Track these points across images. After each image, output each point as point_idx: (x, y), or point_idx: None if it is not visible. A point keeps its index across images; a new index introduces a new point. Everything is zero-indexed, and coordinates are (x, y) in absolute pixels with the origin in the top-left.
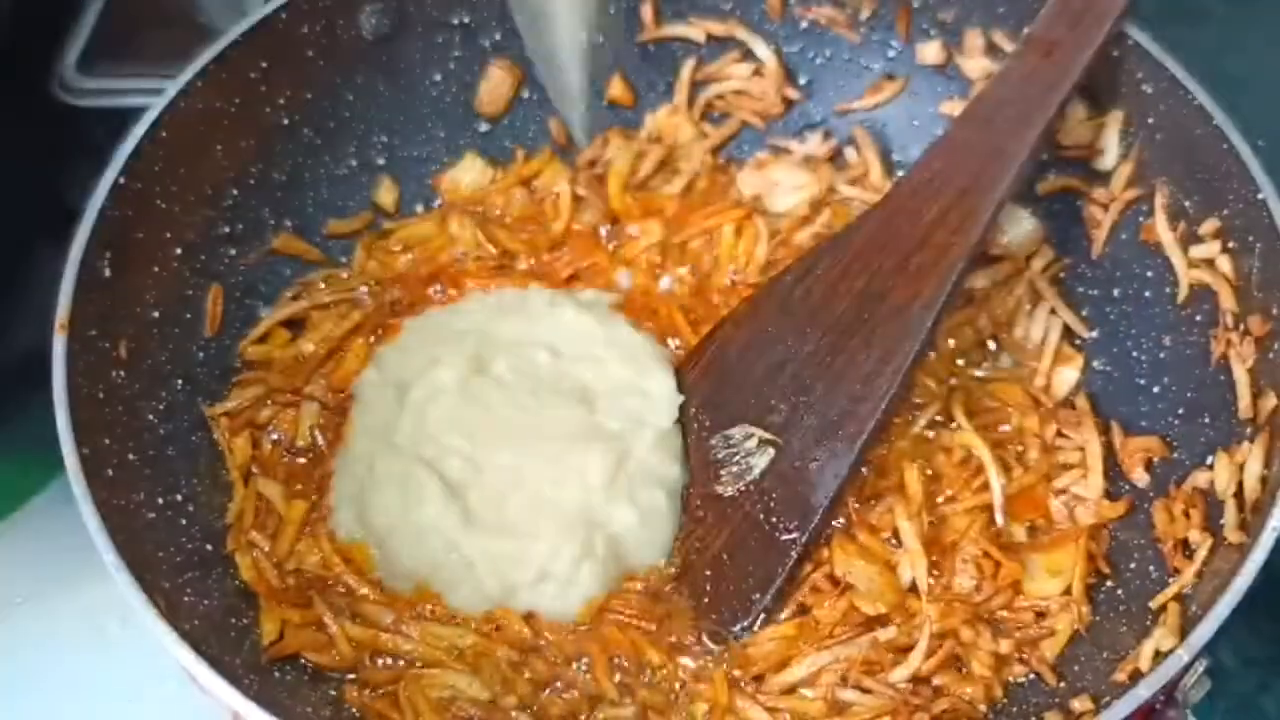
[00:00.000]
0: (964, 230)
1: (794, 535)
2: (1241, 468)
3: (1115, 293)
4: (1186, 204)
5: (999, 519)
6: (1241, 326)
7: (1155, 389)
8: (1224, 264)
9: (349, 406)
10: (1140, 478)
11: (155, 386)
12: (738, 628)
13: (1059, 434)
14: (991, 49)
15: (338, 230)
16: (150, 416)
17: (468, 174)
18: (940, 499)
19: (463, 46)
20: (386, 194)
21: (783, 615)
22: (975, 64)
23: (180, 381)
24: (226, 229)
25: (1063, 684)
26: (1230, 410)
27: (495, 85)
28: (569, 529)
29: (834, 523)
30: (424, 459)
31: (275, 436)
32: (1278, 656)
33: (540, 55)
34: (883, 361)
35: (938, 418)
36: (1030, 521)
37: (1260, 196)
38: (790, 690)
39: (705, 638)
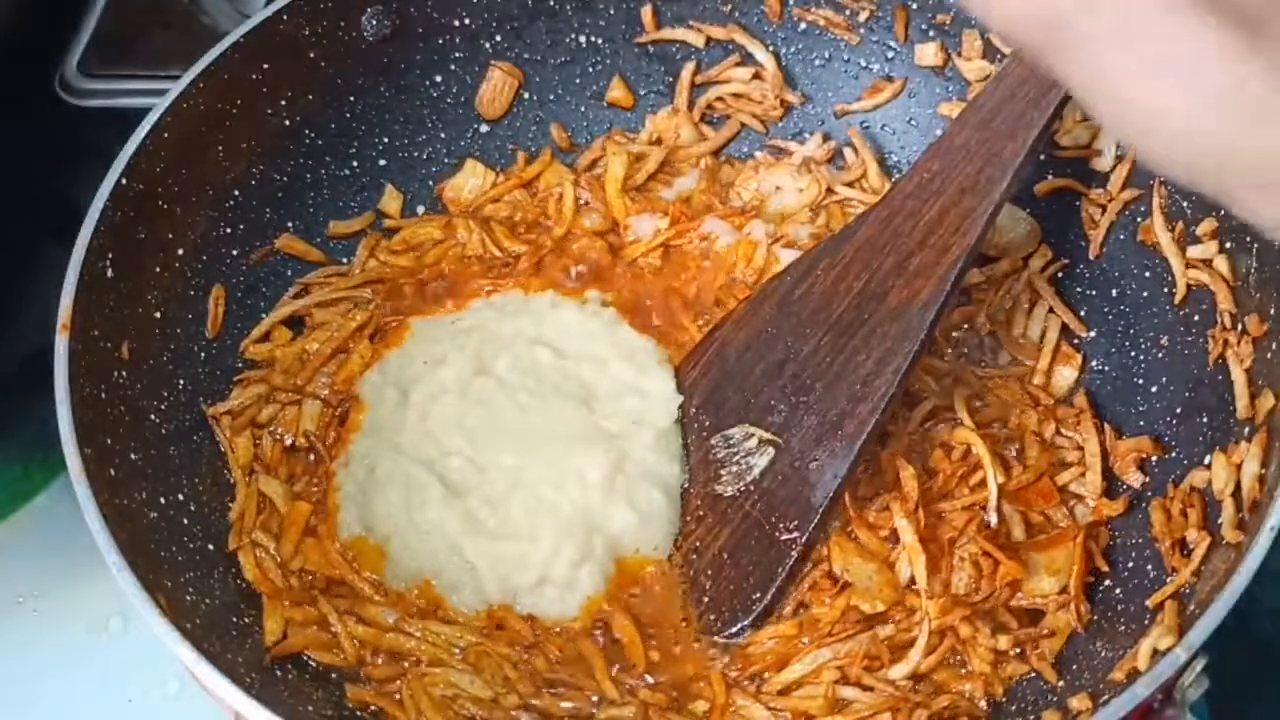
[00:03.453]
0: (963, 231)
1: (794, 535)
2: (1239, 467)
3: (1113, 293)
4: (1184, 204)
5: (992, 517)
6: (1239, 326)
7: (1153, 389)
8: (1221, 264)
9: (351, 406)
10: (1135, 478)
11: (157, 386)
12: (738, 628)
13: (1058, 432)
14: (989, 50)
15: (339, 231)
16: (152, 416)
17: (469, 180)
18: (938, 496)
19: (463, 48)
20: (391, 201)
21: (782, 614)
22: (973, 65)
23: (182, 381)
24: (229, 230)
25: (1061, 682)
26: (1228, 410)
27: (496, 87)
28: (568, 531)
29: (833, 522)
30: (426, 460)
31: (277, 435)
32: (1276, 655)
33: None
34: (882, 362)
35: (936, 414)
36: (1041, 512)
37: None
38: (790, 689)
39: (705, 637)
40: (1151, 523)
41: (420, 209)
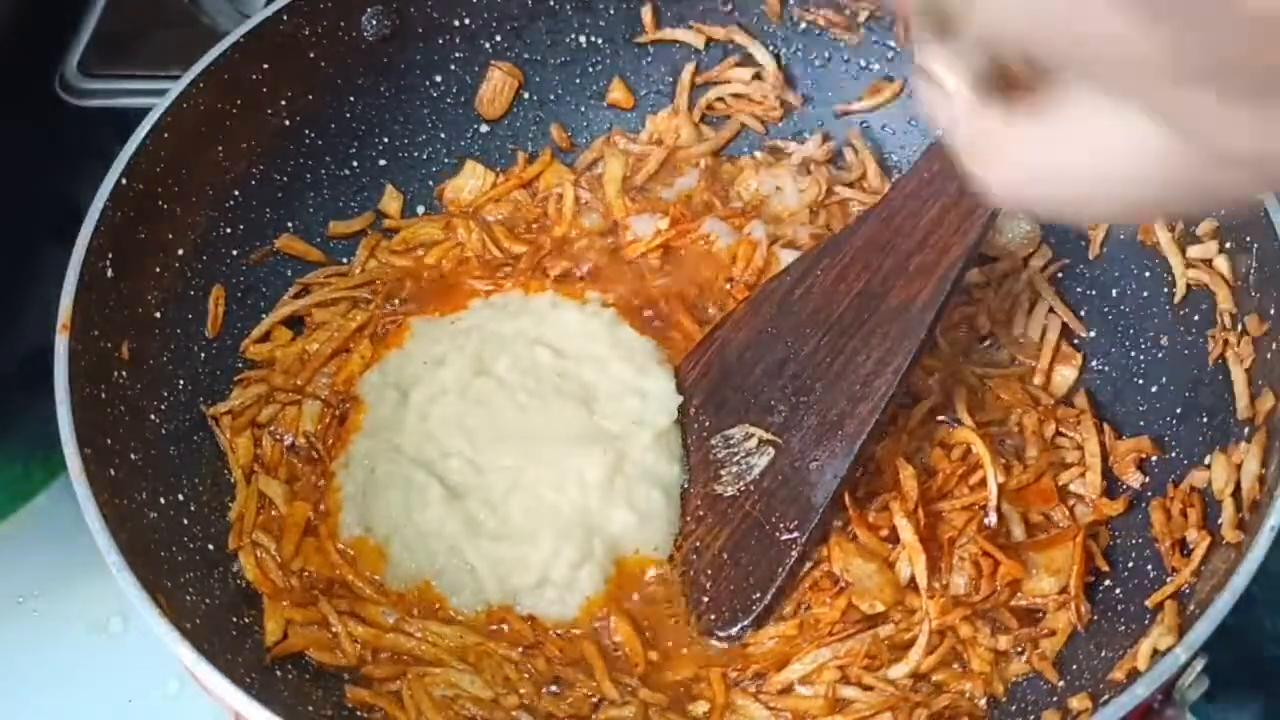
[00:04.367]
0: (963, 231)
1: (794, 535)
2: (1239, 467)
3: (1113, 293)
4: None
5: (992, 517)
6: (1239, 326)
7: (1153, 389)
8: (1221, 264)
9: (351, 407)
10: (1134, 478)
11: (157, 387)
12: (738, 628)
13: (1058, 432)
14: None
15: (339, 231)
16: (152, 417)
17: (469, 181)
18: (938, 496)
19: (463, 49)
20: (391, 201)
21: (783, 614)
22: None
23: (182, 382)
24: (228, 230)
25: (1061, 682)
26: (1228, 410)
27: (496, 87)
28: (567, 532)
29: (833, 522)
30: (425, 461)
31: (277, 435)
32: (1276, 655)
33: None
34: (882, 362)
35: (936, 414)
36: (1041, 512)
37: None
38: (790, 688)
39: (705, 638)
40: (1151, 523)
41: (420, 209)
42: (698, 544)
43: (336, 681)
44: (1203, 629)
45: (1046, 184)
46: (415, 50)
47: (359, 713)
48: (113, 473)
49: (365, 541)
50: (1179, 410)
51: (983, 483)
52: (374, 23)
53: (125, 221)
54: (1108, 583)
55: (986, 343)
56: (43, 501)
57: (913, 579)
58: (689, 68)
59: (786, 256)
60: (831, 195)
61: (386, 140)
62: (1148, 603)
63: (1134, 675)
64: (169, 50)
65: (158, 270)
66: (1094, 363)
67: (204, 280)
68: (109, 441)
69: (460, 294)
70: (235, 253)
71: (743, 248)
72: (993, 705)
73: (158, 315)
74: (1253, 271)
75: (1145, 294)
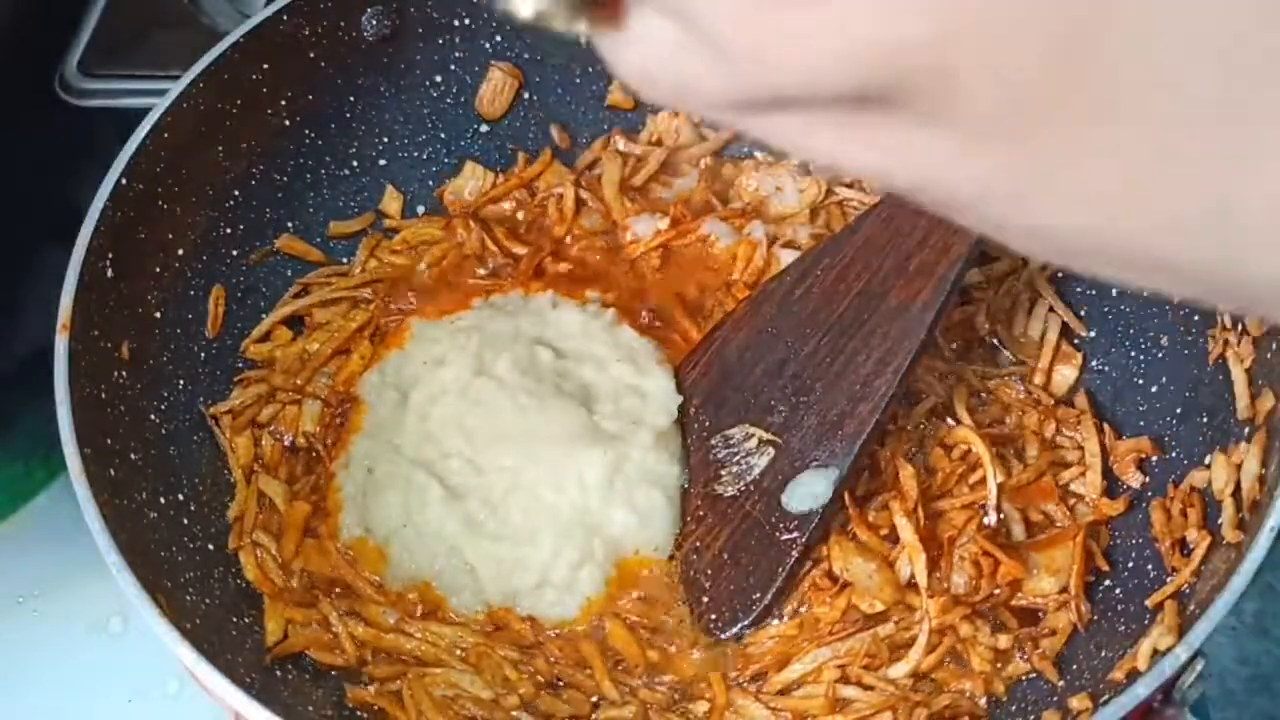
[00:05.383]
0: (963, 231)
1: (794, 535)
2: (1239, 467)
3: (1113, 293)
4: None
5: (991, 517)
6: (1239, 326)
7: (1153, 389)
8: None
9: (352, 407)
10: (1134, 478)
11: (157, 387)
12: (738, 628)
13: (1058, 432)
14: None
15: (339, 231)
16: (152, 417)
17: (469, 182)
18: (938, 495)
19: (463, 49)
20: (391, 201)
21: (783, 614)
22: None
23: (182, 382)
24: (228, 230)
25: (1061, 682)
26: (1228, 410)
27: (496, 87)
28: (567, 533)
29: (833, 522)
30: (425, 461)
31: (278, 435)
32: (1275, 654)
33: None
34: (883, 362)
35: (935, 413)
36: (1041, 512)
37: None
38: (790, 688)
39: (705, 638)
40: (1151, 523)
41: (420, 209)
42: (698, 544)
43: (336, 681)
44: (1203, 629)
45: (635, 78)
46: (415, 50)
47: (359, 713)
48: (113, 473)
49: (365, 542)
50: (1179, 410)
51: (983, 482)
52: (374, 23)
53: (125, 221)
54: (1108, 583)
55: (987, 343)
56: (43, 501)
57: (913, 578)
58: None
59: (786, 256)
60: (831, 195)
61: (386, 140)
62: (1148, 603)
63: (1134, 675)
64: (169, 50)
65: (158, 270)
66: (1094, 363)
67: (204, 280)
68: (109, 441)
69: (460, 294)
70: (235, 253)
71: (743, 248)
72: (993, 705)
73: (158, 315)
74: None
75: (1145, 293)
